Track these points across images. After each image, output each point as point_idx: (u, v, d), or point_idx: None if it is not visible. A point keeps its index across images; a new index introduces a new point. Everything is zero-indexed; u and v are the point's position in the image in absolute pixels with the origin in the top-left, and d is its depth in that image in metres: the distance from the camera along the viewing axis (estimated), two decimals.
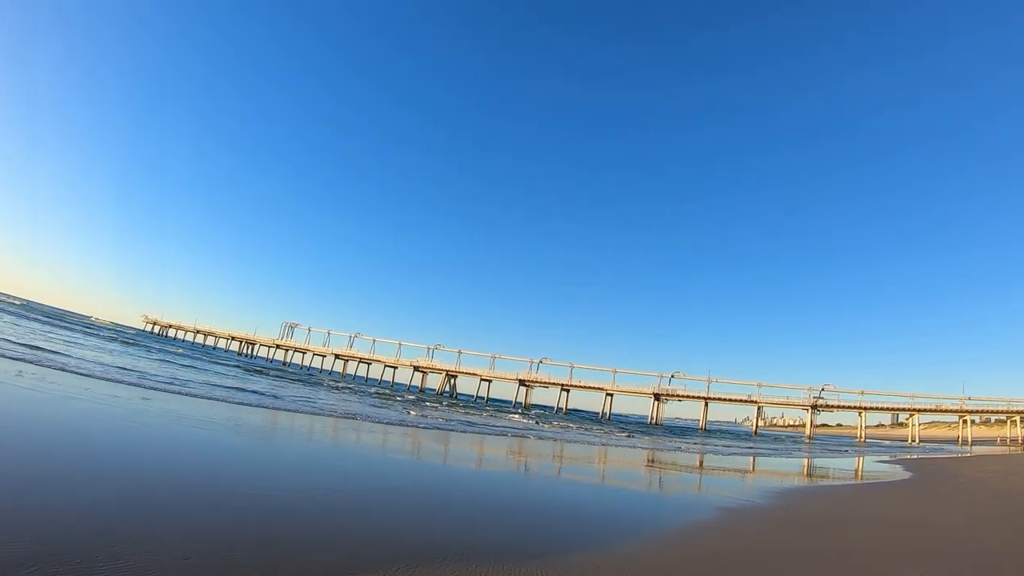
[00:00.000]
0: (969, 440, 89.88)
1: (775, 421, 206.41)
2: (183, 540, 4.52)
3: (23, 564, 3.63)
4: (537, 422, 42.07)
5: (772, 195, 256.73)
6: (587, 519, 8.45)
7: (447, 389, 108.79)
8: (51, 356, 19.05)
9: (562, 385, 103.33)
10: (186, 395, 16.67)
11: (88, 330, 53.32)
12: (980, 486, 18.90)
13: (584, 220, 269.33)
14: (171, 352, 49.07)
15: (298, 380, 48.21)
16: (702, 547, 7.22)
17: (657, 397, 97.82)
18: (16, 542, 3.90)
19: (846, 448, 55.77)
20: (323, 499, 6.98)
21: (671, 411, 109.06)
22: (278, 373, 55.99)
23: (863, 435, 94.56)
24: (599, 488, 12.52)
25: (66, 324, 55.08)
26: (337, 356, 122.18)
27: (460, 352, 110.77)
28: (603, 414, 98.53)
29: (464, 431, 21.90)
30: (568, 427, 40.50)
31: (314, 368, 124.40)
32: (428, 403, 46.81)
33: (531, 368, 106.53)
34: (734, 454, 30.54)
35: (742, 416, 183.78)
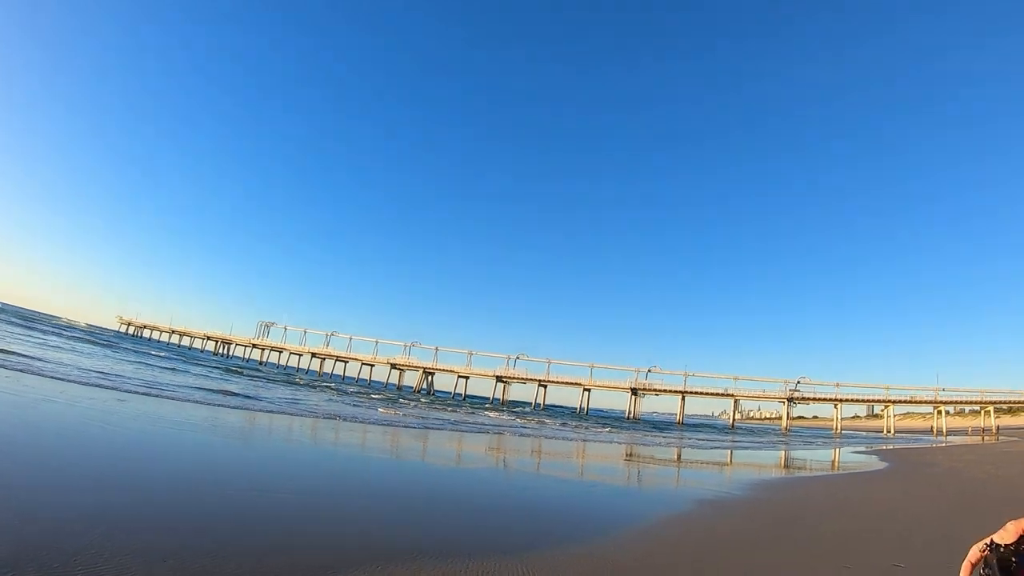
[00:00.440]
0: (944, 430, 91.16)
1: (752, 414, 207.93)
2: (163, 541, 4.49)
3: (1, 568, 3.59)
4: (515, 418, 42.09)
5: (750, 191, 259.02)
6: (567, 514, 8.46)
7: (424, 386, 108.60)
8: (26, 360, 18.68)
9: (540, 381, 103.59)
10: (163, 397, 16.54)
11: (62, 332, 52.53)
12: (954, 475, 19.12)
13: (559, 218, 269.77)
14: (147, 354, 48.54)
15: (275, 379, 47.86)
16: (680, 537, 7.35)
17: (635, 392, 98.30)
18: None
19: (822, 440, 56.34)
20: (303, 499, 6.99)
21: (649, 406, 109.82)
22: (255, 373, 55.53)
23: (839, 427, 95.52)
24: (579, 483, 12.51)
25: (39, 326, 54.21)
26: (314, 355, 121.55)
27: (437, 349, 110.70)
28: (581, 409, 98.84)
29: (442, 429, 21.83)
30: (546, 423, 40.52)
31: (291, 367, 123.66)
32: (406, 401, 46.69)
33: (508, 364, 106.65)
34: (712, 447, 30.76)
35: (719, 410, 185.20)
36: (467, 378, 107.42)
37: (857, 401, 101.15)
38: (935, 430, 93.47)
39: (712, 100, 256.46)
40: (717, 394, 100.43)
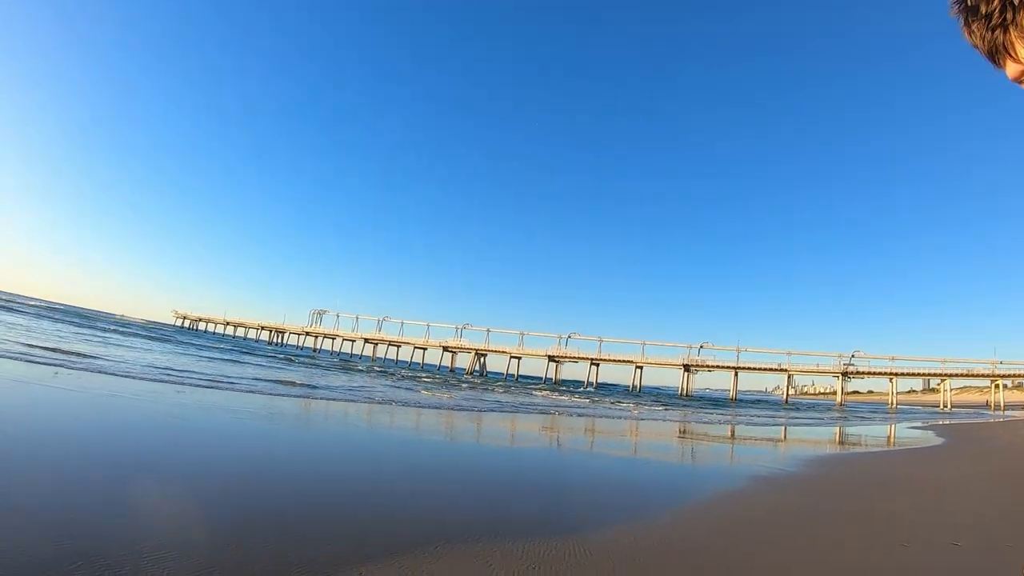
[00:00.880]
0: (1002, 405, 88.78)
1: (805, 389, 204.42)
2: (225, 526, 4.71)
3: (69, 559, 3.79)
4: (567, 397, 42.25)
5: (800, 156, 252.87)
6: (622, 492, 8.54)
7: (477, 368, 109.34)
8: (87, 359, 19.36)
9: (591, 359, 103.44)
10: (222, 388, 16.94)
11: (120, 329, 54.04)
12: (1014, 451, 18.78)
13: (610, 195, 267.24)
14: (204, 346, 49.84)
15: (331, 367, 48.68)
16: (734, 513, 7.28)
17: (687, 368, 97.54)
18: (62, 539, 4.10)
19: (877, 415, 55.40)
20: (357, 482, 7.16)
21: (701, 382, 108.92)
22: (309, 361, 56.56)
23: (894, 401, 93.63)
24: (632, 461, 12.63)
25: (98, 324, 55.91)
26: (366, 340, 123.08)
27: (489, 330, 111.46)
28: (633, 387, 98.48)
29: (495, 410, 22.06)
30: (598, 401, 40.61)
31: (344, 353, 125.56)
32: (457, 383, 47.06)
33: (560, 343, 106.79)
34: (765, 424, 30.45)
35: (772, 385, 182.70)
36: (519, 359, 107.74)
37: (913, 375, 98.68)
38: (993, 404, 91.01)
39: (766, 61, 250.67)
40: (770, 369, 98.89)
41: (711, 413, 38.37)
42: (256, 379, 21.70)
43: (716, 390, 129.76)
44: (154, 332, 64.12)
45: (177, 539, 4.24)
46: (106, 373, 15.52)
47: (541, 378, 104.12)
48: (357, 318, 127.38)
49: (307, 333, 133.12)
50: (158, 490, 5.57)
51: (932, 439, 23.50)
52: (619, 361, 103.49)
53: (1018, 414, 68.35)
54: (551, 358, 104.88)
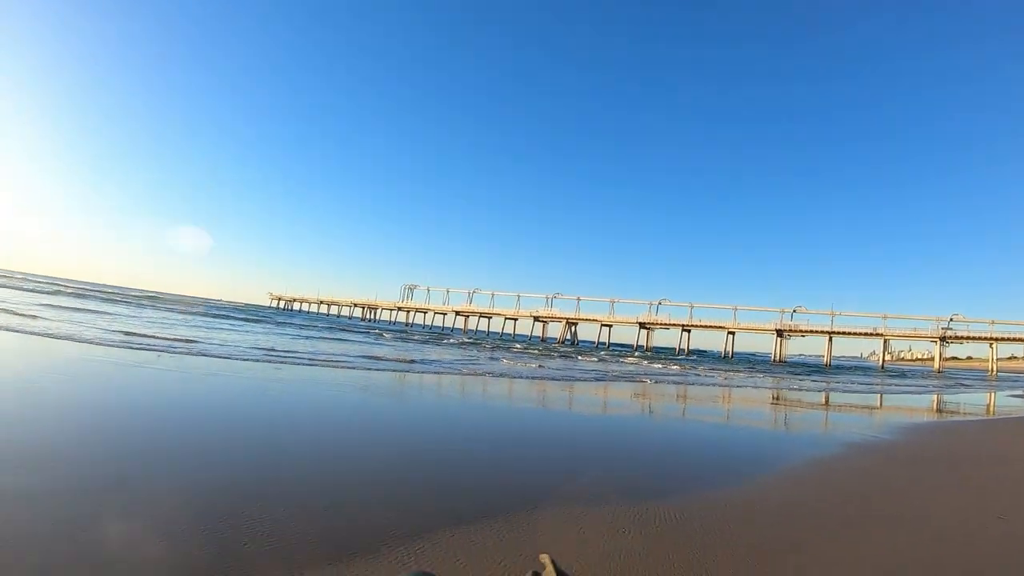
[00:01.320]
0: None
1: (902, 355, 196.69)
2: (325, 490, 5.00)
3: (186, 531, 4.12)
4: (659, 364, 42.05)
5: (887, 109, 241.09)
6: (712, 458, 8.60)
7: (568, 337, 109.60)
8: (188, 344, 20.28)
9: (683, 326, 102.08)
10: (318, 364, 17.63)
11: (219, 313, 56.30)
12: None
13: (696, 154, 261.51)
14: (302, 325, 51.69)
15: (420, 339, 49.76)
16: (827, 479, 7.30)
17: (780, 333, 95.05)
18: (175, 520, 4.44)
19: (977, 382, 52.97)
20: (455, 450, 7.42)
21: (795, 347, 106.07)
22: (403, 334, 57.92)
23: (995, 368, 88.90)
24: (725, 427, 12.57)
25: (195, 310, 58.36)
26: (457, 313, 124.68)
27: (579, 299, 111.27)
28: (725, 353, 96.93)
29: (585, 379, 22.16)
30: (690, 368, 40.29)
31: (436, 326, 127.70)
32: (548, 353, 47.32)
33: (651, 310, 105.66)
34: (860, 390, 29.62)
35: (867, 351, 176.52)
36: (610, 326, 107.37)
37: (1016, 340, 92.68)
38: None
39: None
40: (865, 334, 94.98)
41: (805, 379, 37.57)
42: (362, 356, 22.41)
43: (810, 356, 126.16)
44: (253, 314, 66.63)
45: (278, 504, 4.54)
46: (210, 356, 16.33)
47: (632, 346, 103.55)
48: (448, 291, 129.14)
49: (399, 308, 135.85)
50: (273, 460, 5.92)
51: None
52: (711, 327, 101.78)
53: None
54: (642, 325, 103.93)
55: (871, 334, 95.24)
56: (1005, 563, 4.64)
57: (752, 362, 77.70)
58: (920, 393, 30.92)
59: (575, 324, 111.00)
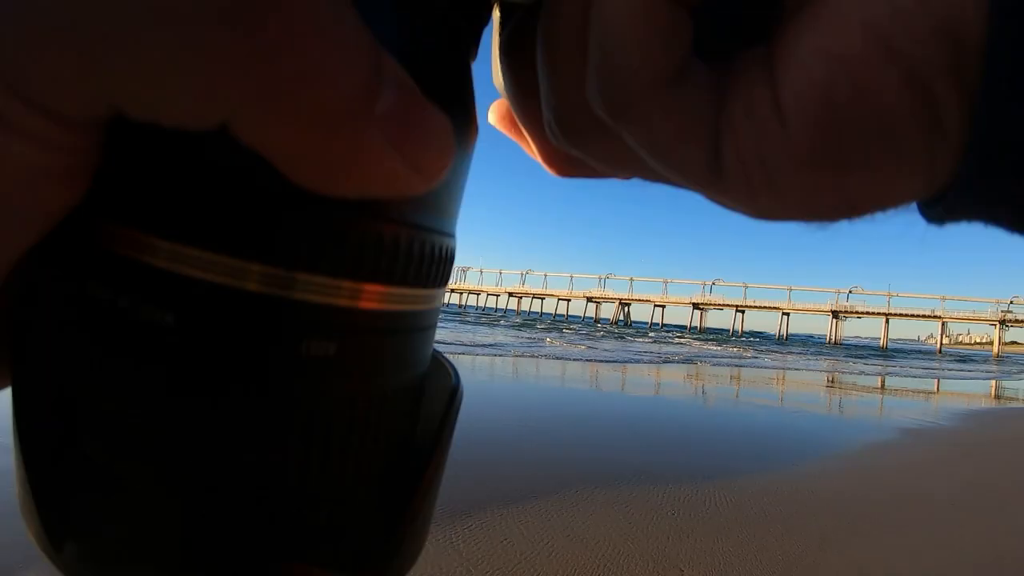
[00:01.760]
0: None
1: (960, 338, 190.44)
2: None
3: None
4: (712, 346, 41.61)
5: None
6: (765, 442, 8.50)
7: (621, 317, 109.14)
8: None
9: (736, 306, 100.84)
10: None
11: None
12: None
13: None
14: None
15: (473, 321, 50.12)
16: (881, 464, 7.23)
17: (835, 315, 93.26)
18: None
19: None
20: (501, 427, 7.42)
21: (850, 329, 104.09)
22: (455, 316, 58.43)
23: None
24: (778, 411, 12.40)
25: None
26: (510, 294, 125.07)
27: (632, 280, 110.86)
28: (779, 335, 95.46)
29: (638, 360, 22.07)
30: (743, 349, 39.75)
31: (489, 308, 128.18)
32: (600, 333, 47.21)
33: (704, 291, 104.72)
34: (916, 375, 28.83)
35: (925, 334, 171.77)
36: (663, 307, 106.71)
37: None
38: None
39: None
40: (923, 316, 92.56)
41: (859, 363, 36.73)
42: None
43: (865, 338, 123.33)
44: None
45: None
46: None
47: (685, 326, 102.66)
48: (500, 273, 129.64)
49: (452, 290, 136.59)
50: None
51: None
52: (765, 308, 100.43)
53: None
54: (695, 306, 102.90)
55: (929, 316, 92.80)
56: None
57: (806, 344, 76.34)
58: (978, 378, 29.90)
59: (628, 305, 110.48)
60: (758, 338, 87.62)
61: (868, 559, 4.03)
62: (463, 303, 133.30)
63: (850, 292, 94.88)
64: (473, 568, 3.45)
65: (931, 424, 11.08)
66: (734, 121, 0.21)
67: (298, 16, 0.16)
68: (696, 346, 39.76)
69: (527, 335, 33.72)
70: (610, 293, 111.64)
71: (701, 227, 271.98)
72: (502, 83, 0.32)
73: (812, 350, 53.37)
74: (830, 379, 21.99)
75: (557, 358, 19.47)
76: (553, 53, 0.24)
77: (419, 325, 0.26)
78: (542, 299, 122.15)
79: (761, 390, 16.20)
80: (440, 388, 0.30)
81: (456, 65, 0.24)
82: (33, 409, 0.20)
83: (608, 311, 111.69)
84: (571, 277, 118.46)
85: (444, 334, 26.04)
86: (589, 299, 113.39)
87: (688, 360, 24.81)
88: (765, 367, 25.37)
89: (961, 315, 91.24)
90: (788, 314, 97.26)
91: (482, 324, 44.26)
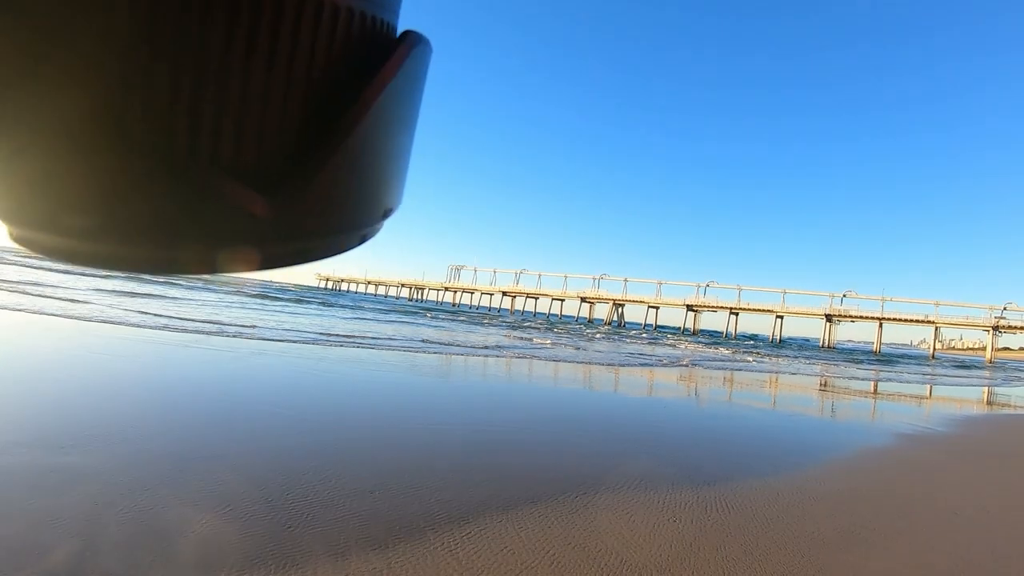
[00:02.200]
0: None
1: (953, 343, 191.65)
2: (369, 474, 4.96)
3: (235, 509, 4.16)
4: (706, 348, 41.72)
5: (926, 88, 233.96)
6: (762, 446, 8.47)
7: (615, 318, 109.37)
8: (243, 329, 20.64)
9: (730, 309, 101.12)
10: (353, 346, 17.81)
11: (271, 294, 57.15)
12: None
13: (744, 138, 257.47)
14: (355, 307, 52.38)
15: (470, 320, 50.05)
16: (881, 470, 7.18)
17: (829, 319, 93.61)
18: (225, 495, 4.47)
19: None
20: (499, 431, 7.39)
21: (844, 333, 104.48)
22: (447, 315, 58.38)
23: None
24: (773, 414, 12.39)
25: (245, 291, 59.27)
26: (504, 293, 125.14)
27: (626, 280, 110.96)
28: (773, 337, 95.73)
29: (632, 363, 22.06)
30: (737, 352, 39.88)
31: (483, 307, 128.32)
32: (595, 334, 47.21)
33: (698, 292, 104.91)
34: (910, 379, 28.98)
35: (917, 338, 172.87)
36: (657, 308, 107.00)
37: None
38: None
39: None
40: (916, 321, 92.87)
41: (853, 367, 36.88)
42: (410, 338, 22.64)
43: (859, 342, 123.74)
44: (303, 295, 67.64)
45: (323, 486, 4.54)
46: (260, 339, 16.59)
47: (679, 328, 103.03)
48: (495, 272, 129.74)
49: (446, 289, 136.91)
50: (319, 442, 5.95)
51: None
52: (759, 310, 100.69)
53: None
54: (689, 307, 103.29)
55: (923, 321, 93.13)
56: None
57: (800, 347, 76.56)
58: (971, 384, 30.15)
59: (622, 306, 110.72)
60: (752, 340, 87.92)
61: (872, 564, 3.98)
62: (457, 302, 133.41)
63: (844, 296, 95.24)
64: None
65: (927, 429, 11.10)
66: None
67: None
68: (690, 348, 39.83)
69: (520, 335, 33.65)
70: (604, 294, 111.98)
71: (696, 229, 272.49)
72: None
73: (807, 353, 53.58)
74: (825, 383, 22.07)
75: (553, 359, 19.43)
76: None
77: None
78: (536, 299, 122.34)
79: (756, 393, 16.18)
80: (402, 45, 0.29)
81: None
82: None
83: (602, 312, 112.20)
84: (565, 277, 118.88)
85: (440, 334, 26.02)
86: (583, 299, 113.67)
87: (682, 363, 24.86)
88: (760, 371, 25.38)
89: (955, 320, 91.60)
90: (782, 317, 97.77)
91: (476, 324, 44.18)
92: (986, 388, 27.89)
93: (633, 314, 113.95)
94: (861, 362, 46.36)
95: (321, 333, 18.69)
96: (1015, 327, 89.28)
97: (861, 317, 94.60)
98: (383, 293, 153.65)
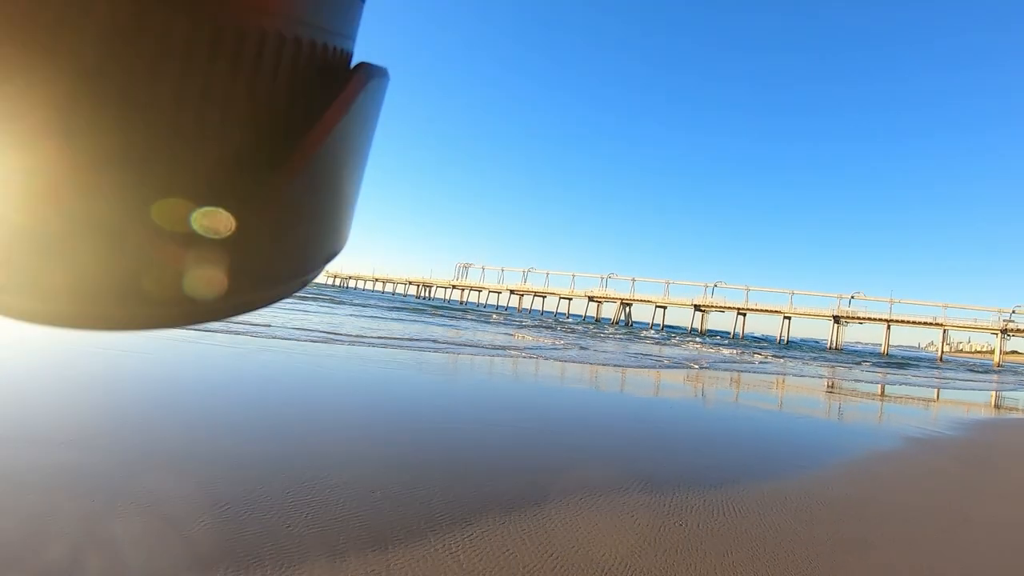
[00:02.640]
0: None
1: (961, 346, 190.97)
2: (371, 474, 4.93)
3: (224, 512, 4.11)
4: (713, 349, 41.54)
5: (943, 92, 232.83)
6: (767, 449, 8.40)
7: (622, 318, 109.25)
8: (251, 327, 20.67)
9: (738, 309, 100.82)
10: (374, 345, 17.81)
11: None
12: None
13: (752, 136, 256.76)
14: (364, 304, 52.37)
15: (476, 318, 50.01)
16: (889, 473, 7.13)
17: (837, 320, 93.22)
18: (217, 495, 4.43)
19: None
20: (503, 430, 7.33)
21: (852, 335, 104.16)
22: (455, 313, 58.36)
23: None
24: (779, 416, 12.30)
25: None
26: (512, 292, 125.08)
27: (634, 280, 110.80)
28: (781, 338, 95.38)
29: (640, 364, 21.96)
30: (744, 353, 39.73)
31: (490, 305, 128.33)
32: (602, 333, 47.12)
33: (706, 292, 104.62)
34: (918, 383, 28.81)
35: (925, 341, 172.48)
36: (664, 308, 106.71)
37: None
38: None
39: None
40: (924, 323, 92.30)
41: (860, 370, 36.69)
42: (416, 338, 22.63)
43: (867, 344, 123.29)
44: (315, 292, 67.75)
45: (323, 487, 4.49)
46: (264, 337, 16.57)
47: (686, 328, 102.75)
48: (502, 270, 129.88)
49: (453, 287, 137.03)
50: (319, 443, 5.91)
51: None
52: (767, 311, 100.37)
53: None
54: (697, 307, 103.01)
55: (931, 323, 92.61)
56: None
57: (808, 348, 76.25)
58: (979, 388, 29.94)
59: (629, 305, 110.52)
60: (759, 341, 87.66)
61: (880, 572, 3.93)
62: (464, 300, 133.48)
63: (852, 297, 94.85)
64: None
65: (935, 433, 11.01)
66: None
67: None
68: (697, 348, 39.71)
69: (527, 334, 33.58)
70: (612, 293, 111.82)
71: (705, 229, 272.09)
72: None
73: (814, 354, 53.36)
74: (832, 385, 21.99)
75: (560, 360, 19.36)
76: None
77: None
78: (543, 298, 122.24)
79: (763, 395, 16.10)
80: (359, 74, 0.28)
81: None
82: None
83: (609, 311, 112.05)
84: (573, 276, 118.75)
85: (439, 332, 25.99)
86: (591, 298, 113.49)
87: (689, 363, 24.75)
88: (767, 372, 25.26)
89: (963, 323, 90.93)
90: (789, 318, 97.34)
91: (483, 322, 44.14)
92: (990, 391, 27.81)
93: (640, 313, 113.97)
94: (870, 364, 46.17)
95: (328, 332, 18.69)
96: (1023, 330, 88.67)
97: (869, 319, 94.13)
98: (391, 291, 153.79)
